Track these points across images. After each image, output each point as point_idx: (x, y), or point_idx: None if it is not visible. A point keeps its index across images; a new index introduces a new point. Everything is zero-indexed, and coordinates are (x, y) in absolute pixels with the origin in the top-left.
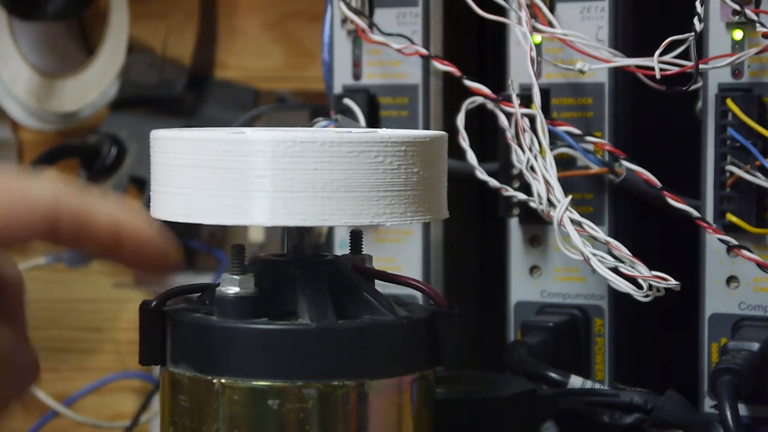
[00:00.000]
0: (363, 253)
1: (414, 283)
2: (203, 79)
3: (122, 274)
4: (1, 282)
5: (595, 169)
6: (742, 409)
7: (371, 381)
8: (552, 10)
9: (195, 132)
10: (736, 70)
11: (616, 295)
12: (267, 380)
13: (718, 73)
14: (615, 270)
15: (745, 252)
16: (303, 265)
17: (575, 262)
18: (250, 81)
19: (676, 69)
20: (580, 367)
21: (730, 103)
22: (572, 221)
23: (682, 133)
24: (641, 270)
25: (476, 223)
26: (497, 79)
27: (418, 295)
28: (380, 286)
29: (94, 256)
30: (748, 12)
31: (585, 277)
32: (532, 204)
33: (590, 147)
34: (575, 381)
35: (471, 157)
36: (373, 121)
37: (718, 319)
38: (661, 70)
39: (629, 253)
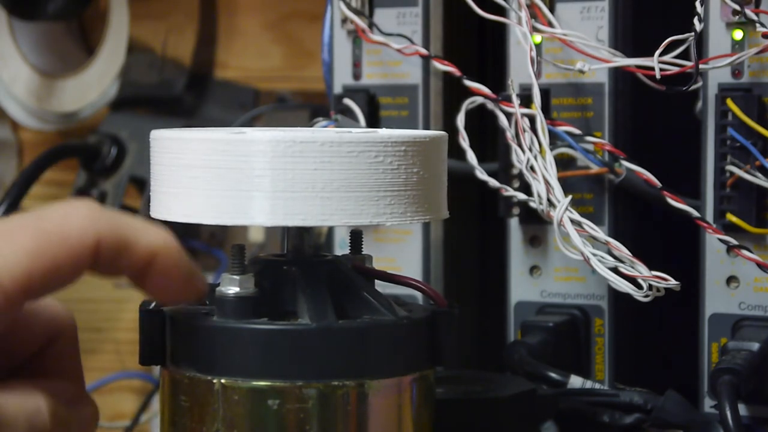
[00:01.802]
0: (363, 253)
1: (414, 283)
2: (203, 79)
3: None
4: (55, 331)
5: (595, 169)
6: (742, 409)
7: (371, 381)
8: (552, 10)
9: (195, 132)
10: (736, 70)
11: (616, 295)
12: (267, 380)
13: (718, 73)
14: (615, 270)
15: (745, 252)
16: (303, 265)
17: (575, 262)
18: (250, 81)
19: (676, 69)
20: (580, 367)
21: (730, 103)
22: (572, 221)
23: (682, 133)
24: (641, 270)
25: (476, 223)
26: (497, 79)
27: (418, 295)
28: (380, 286)
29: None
30: (748, 12)
31: (585, 277)
32: (532, 204)
33: (590, 147)
34: (575, 381)
35: (471, 157)
36: (373, 121)
37: (718, 319)
38: (661, 70)
39: (629, 253)
